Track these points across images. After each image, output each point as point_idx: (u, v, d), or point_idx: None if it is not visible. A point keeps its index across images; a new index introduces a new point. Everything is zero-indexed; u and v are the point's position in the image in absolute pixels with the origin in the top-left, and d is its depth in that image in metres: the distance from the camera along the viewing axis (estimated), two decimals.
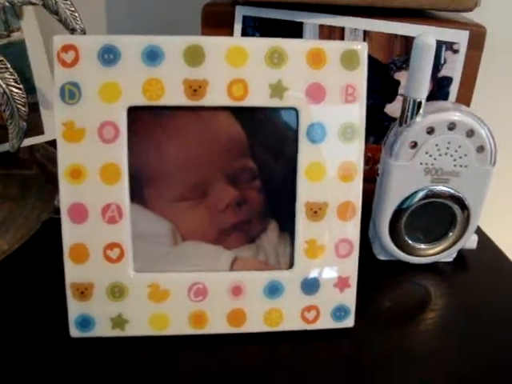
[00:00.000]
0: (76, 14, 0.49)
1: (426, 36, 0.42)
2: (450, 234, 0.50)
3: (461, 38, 0.52)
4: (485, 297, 0.48)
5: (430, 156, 0.46)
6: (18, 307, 0.43)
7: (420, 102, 0.44)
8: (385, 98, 0.55)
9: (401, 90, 0.55)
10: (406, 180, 0.47)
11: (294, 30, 0.53)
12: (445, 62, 0.53)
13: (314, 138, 0.38)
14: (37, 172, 0.59)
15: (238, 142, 0.39)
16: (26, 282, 0.46)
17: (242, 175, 0.39)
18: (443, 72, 0.54)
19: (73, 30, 0.49)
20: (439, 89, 0.55)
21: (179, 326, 0.40)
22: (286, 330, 0.41)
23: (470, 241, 0.51)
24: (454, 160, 0.46)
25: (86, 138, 0.37)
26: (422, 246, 0.50)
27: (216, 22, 0.52)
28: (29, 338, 0.40)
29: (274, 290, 0.40)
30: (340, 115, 0.38)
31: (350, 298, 0.41)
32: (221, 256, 0.40)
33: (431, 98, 0.54)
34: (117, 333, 0.40)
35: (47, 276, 0.45)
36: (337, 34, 0.53)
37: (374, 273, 0.50)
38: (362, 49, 0.38)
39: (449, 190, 0.47)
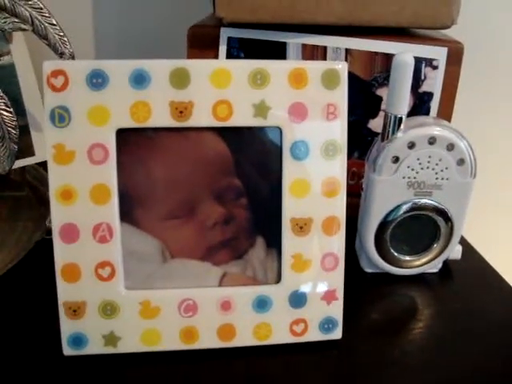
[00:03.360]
0: (65, 39, 0.50)
1: (405, 54, 0.43)
2: (435, 245, 0.51)
3: (439, 54, 0.54)
4: (470, 306, 0.48)
5: (412, 170, 0.47)
6: (11, 327, 0.43)
7: (401, 118, 0.46)
8: (368, 113, 0.56)
9: (383, 106, 0.56)
10: (389, 194, 0.48)
11: (278, 50, 0.54)
12: (425, 77, 0.55)
13: (298, 156, 0.39)
14: (28, 193, 0.59)
15: (224, 160, 0.40)
16: (19, 301, 0.46)
17: (228, 193, 0.40)
18: (424, 88, 0.55)
19: (62, 54, 0.50)
20: (420, 104, 0.56)
21: (170, 341, 0.40)
22: (275, 344, 0.42)
23: (455, 251, 0.52)
24: (436, 173, 0.47)
25: (76, 159, 0.38)
26: (408, 258, 0.51)
27: (201, 44, 0.54)
28: (22, 357, 0.40)
29: (262, 304, 0.41)
30: (322, 133, 0.39)
31: (337, 310, 0.42)
32: (209, 272, 0.41)
33: (413, 113, 0.55)
34: (109, 350, 0.40)
35: (40, 295, 0.46)
36: (319, 52, 0.54)
37: (361, 285, 0.50)
38: (343, 68, 0.39)
39: (432, 202, 0.48)
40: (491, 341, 0.44)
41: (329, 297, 0.42)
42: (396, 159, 0.46)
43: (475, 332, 0.45)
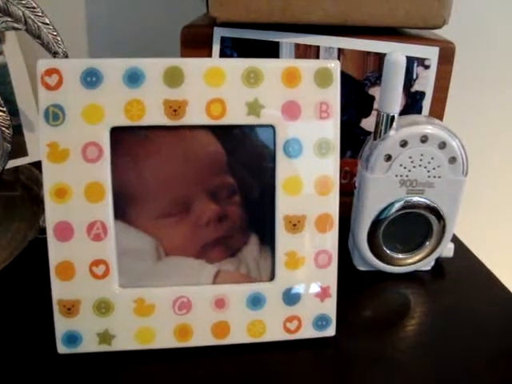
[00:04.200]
0: (58, 38, 0.50)
1: (396, 53, 0.44)
2: (427, 243, 0.51)
3: (431, 53, 0.54)
4: (462, 303, 0.49)
5: (405, 168, 0.47)
6: (5, 325, 0.43)
7: (393, 117, 0.46)
8: (360, 113, 0.57)
9: (376, 105, 0.56)
10: (382, 192, 0.48)
11: (271, 49, 0.54)
12: (417, 77, 0.55)
13: (291, 154, 0.40)
14: (21, 193, 0.59)
15: (218, 158, 0.40)
16: (13, 300, 0.46)
17: (222, 191, 0.40)
18: (416, 87, 0.56)
19: (55, 54, 0.50)
20: (413, 103, 0.56)
21: (165, 339, 0.41)
22: (268, 341, 0.42)
23: (447, 249, 0.53)
24: (428, 171, 0.47)
25: (70, 158, 0.38)
26: (400, 256, 0.51)
27: (194, 43, 0.54)
28: (17, 355, 0.40)
29: (256, 301, 0.41)
30: (315, 131, 0.40)
31: (330, 307, 0.42)
32: (204, 270, 0.41)
33: (405, 112, 0.56)
34: (104, 348, 0.40)
35: (34, 294, 0.46)
36: (312, 52, 0.54)
37: (354, 283, 0.51)
38: (335, 67, 0.40)
39: (424, 200, 0.49)
40: (483, 338, 0.44)
41: (322, 294, 0.42)
42: (388, 157, 0.47)
43: (467, 329, 0.45)
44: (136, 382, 0.39)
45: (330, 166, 0.40)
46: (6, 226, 0.54)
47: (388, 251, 0.51)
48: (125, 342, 0.40)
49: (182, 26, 0.54)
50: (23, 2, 0.49)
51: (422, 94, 0.56)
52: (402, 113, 0.47)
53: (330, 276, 0.42)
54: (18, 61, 0.56)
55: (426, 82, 0.55)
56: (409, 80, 0.55)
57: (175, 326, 0.41)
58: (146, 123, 0.38)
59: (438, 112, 0.56)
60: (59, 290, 0.39)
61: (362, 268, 0.53)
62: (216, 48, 0.54)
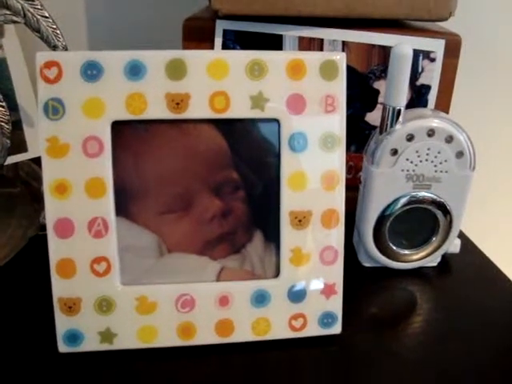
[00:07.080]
0: (58, 31, 0.49)
1: (403, 46, 0.43)
2: (434, 238, 0.50)
3: (437, 46, 0.53)
4: (469, 299, 0.48)
5: (411, 162, 0.46)
6: (5, 324, 0.43)
7: (399, 110, 0.45)
8: (365, 106, 0.56)
9: (380, 99, 0.55)
10: (388, 187, 0.47)
11: (274, 42, 0.53)
12: (422, 70, 0.54)
13: (296, 148, 0.39)
14: (21, 190, 0.59)
15: (221, 153, 0.39)
16: (14, 298, 0.46)
17: (226, 186, 0.40)
18: (421, 80, 0.55)
19: (55, 47, 0.49)
20: (418, 97, 0.56)
21: (168, 337, 0.40)
22: (273, 339, 0.41)
23: (453, 245, 0.52)
24: (435, 166, 0.47)
25: (70, 153, 0.37)
26: (406, 252, 0.51)
27: (197, 36, 0.53)
28: (17, 354, 0.40)
29: (260, 299, 0.41)
30: (320, 125, 0.39)
31: (336, 304, 0.42)
32: (207, 267, 0.40)
33: (411, 105, 0.55)
34: (105, 347, 0.40)
35: (34, 292, 0.45)
36: (316, 45, 0.53)
37: (359, 279, 0.50)
38: (341, 59, 0.39)
39: (431, 195, 0.48)
40: (490, 334, 0.44)
41: (328, 291, 0.41)
42: (394, 152, 0.46)
43: (474, 326, 0.45)
44: (138, 381, 0.38)
45: (336, 160, 0.40)
46: (6, 223, 0.54)
47: (394, 247, 0.50)
48: (127, 340, 0.40)
49: (183, 18, 0.53)
50: None
51: (427, 88, 0.55)
52: (407, 107, 0.46)
53: (336, 273, 0.41)
54: (18, 55, 0.56)
55: (431, 75, 0.55)
56: (414, 73, 0.54)
57: (178, 324, 0.40)
58: (148, 117, 0.38)
59: (443, 105, 0.55)
60: (60, 287, 0.39)
61: (367, 264, 0.52)
62: (218, 41, 0.53)
